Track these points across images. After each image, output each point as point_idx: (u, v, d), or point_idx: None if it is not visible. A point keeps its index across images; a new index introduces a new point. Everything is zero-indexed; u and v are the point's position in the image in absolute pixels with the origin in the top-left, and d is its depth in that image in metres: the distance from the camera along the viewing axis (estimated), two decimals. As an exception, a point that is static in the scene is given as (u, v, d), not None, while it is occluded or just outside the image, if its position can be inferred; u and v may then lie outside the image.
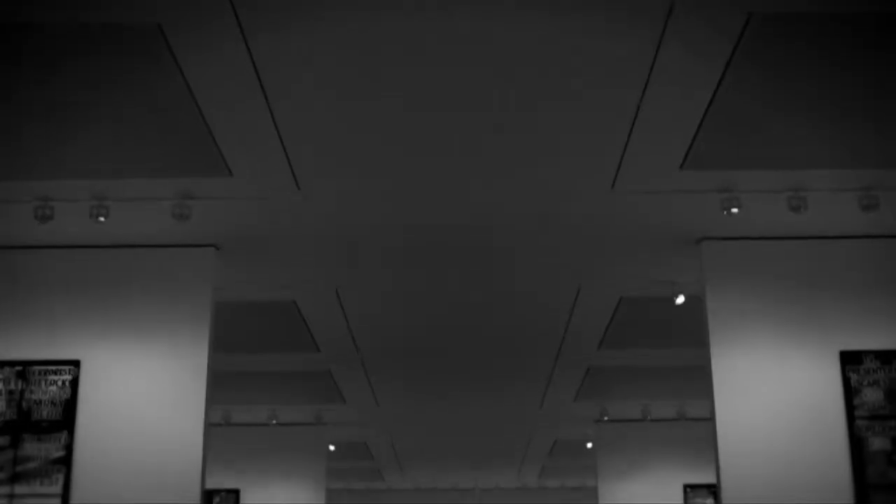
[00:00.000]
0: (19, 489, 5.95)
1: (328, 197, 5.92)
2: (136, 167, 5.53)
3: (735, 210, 5.82)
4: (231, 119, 5.01)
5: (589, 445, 13.13)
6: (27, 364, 6.18)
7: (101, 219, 5.88)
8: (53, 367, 6.17)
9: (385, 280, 7.42)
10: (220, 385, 6.88)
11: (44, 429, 6.06)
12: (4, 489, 5.95)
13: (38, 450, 6.02)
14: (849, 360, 6.12)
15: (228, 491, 12.06)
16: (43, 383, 6.14)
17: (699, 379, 6.56)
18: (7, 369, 6.17)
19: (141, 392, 6.19)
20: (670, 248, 6.62)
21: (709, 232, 6.36)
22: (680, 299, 7.31)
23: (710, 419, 6.16)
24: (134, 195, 5.82)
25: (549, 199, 5.99)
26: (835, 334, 6.21)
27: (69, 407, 6.10)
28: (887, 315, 6.22)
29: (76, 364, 6.18)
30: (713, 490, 11.40)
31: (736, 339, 6.23)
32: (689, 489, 11.84)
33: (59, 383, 6.14)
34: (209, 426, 6.23)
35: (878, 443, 5.97)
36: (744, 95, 4.81)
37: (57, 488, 5.96)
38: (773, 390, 6.13)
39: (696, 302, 6.76)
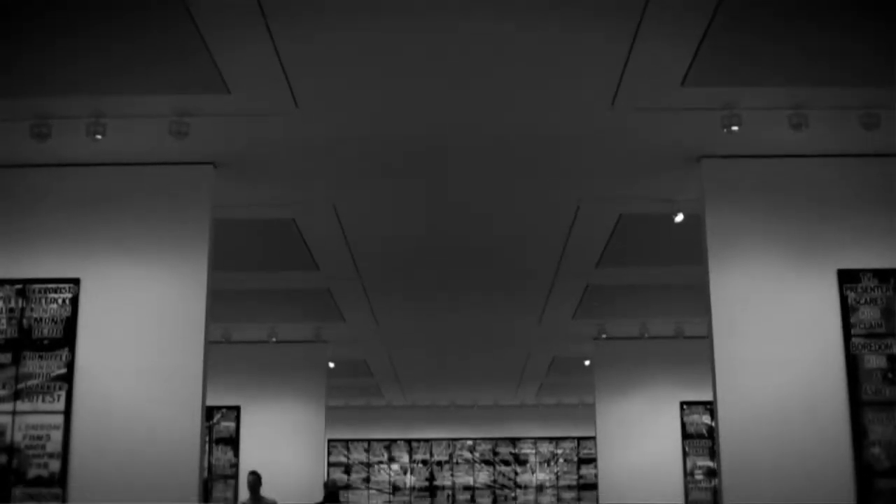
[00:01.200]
0: (21, 406, 6.00)
1: (326, 114, 5.87)
2: (133, 84, 5.49)
3: (735, 128, 5.79)
4: (229, 36, 4.95)
5: (587, 363, 13.24)
6: (27, 282, 6.19)
7: (99, 137, 5.85)
8: (53, 286, 6.19)
9: (383, 198, 7.41)
10: (219, 303, 6.89)
11: (45, 346, 6.09)
12: (7, 406, 6.00)
13: (39, 367, 6.06)
14: (846, 278, 6.14)
15: (229, 407, 12.19)
16: (43, 301, 6.16)
17: (697, 297, 6.58)
18: (7, 287, 6.19)
19: (141, 309, 6.21)
20: (670, 166, 6.59)
21: (709, 150, 6.33)
22: (679, 217, 7.31)
23: (708, 337, 6.19)
24: (131, 113, 5.78)
25: (548, 116, 5.95)
26: (833, 253, 6.22)
27: (70, 324, 6.13)
28: (886, 234, 6.22)
29: (76, 282, 6.20)
30: (710, 407, 11.51)
31: (734, 257, 6.24)
32: (686, 406, 11.96)
33: (60, 301, 6.16)
34: (209, 343, 6.27)
35: (873, 360, 6.02)
36: (746, 11, 4.75)
37: (59, 405, 6.01)
38: (771, 308, 6.15)
39: (695, 220, 6.75)
